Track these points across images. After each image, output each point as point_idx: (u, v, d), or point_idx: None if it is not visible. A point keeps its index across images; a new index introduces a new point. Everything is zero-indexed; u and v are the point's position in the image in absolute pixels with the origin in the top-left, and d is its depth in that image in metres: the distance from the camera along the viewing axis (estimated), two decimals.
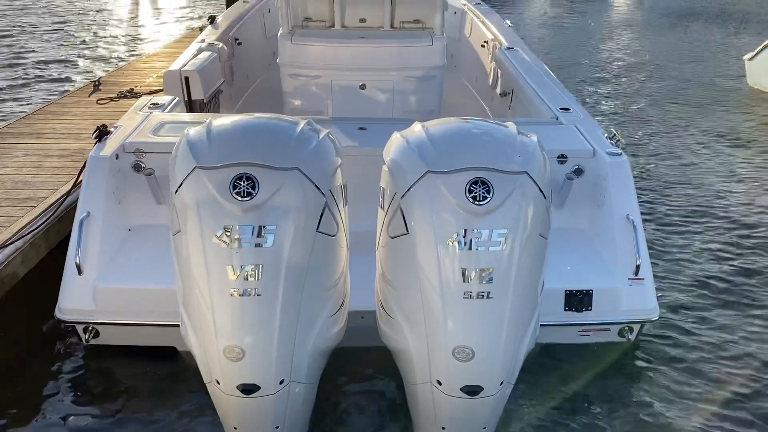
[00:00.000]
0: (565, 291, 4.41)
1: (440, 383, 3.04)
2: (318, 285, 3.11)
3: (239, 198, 2.78)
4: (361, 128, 5.41)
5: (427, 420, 3.31)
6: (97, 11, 21.38)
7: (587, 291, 4.42)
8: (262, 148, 2.90)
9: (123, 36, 17.47)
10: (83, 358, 4.69)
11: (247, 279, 2.82)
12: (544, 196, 2.95)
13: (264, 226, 2.81)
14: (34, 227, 5.18)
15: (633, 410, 4.32)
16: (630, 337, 4.58)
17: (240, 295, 2.83)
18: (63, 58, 14.43)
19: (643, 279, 4.50)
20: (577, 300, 4.42)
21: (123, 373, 4.55)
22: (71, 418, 4.20)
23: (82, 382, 4.51)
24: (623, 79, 13.20)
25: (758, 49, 11.92)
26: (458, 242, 2.84)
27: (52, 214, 5.36)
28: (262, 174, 2.81)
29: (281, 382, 3.03)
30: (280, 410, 3.15)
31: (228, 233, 2.80)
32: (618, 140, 5.18)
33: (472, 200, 2.81)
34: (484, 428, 3.28)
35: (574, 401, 4.41)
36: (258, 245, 2.82)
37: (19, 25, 17.89)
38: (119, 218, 4.78)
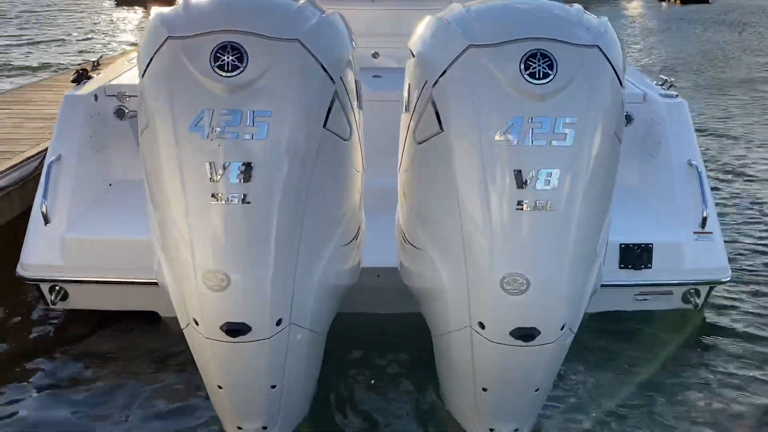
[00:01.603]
0: (620, 245, 3.71)
1: (483, 326, 2.35)
2: (326, 201, 2.44)
3: (222, 72, 2.13)
4: (376, 76, 4.83)
5: (462, 379, 2.61)
6: (112, 22, 21.28)
7: (646, 245, 3.72)
8: (252, 15, 2.24)
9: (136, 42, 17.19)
10: (48, 326, 4.00)
11: (232, 182, 2.16)
12: (621, 83, 2.28)
13: (255, 112, 2.15)
14: (7, 178, 4.58)
15: (699, 392, 3.58)
16: (697, 301, 3.86)
17: (224, 201, 2.17)
18: (76, 58, 14.05)
19: (711, 233, 3.80)
20: (635, 255, 3.72)
21: (95, 346, 3.84)
22: (31, 399, 3.45)
23: (45, 355, 3.78)
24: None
25: None
26: (510, 135, 2.16)
27: (30, 168, 4.76)
28: (253, 44, 2.16)
29: (278, 322, 2.36)
30: (277, 362, 2.46)
31: (207, 120, 2.14)
32: (671, 85, 4.52)
33: (529, 78, 2.14)
34: (536, 390, 2.59)
35: (630, 381, 3.68)
36: (248, 136, 2.16)
37: (39, 35, 17.56)
38: (97, 169, 4.17)
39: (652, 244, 3.72)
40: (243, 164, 2.15)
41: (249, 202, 2.17)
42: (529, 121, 2.14)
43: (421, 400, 3.36)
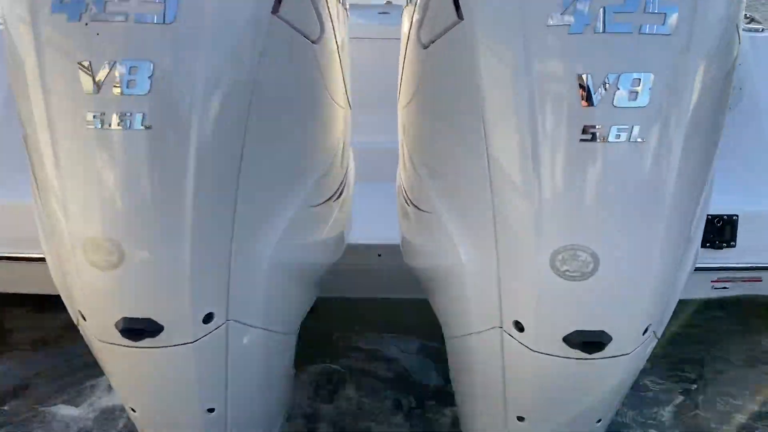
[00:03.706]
0: None
1: (521, 327, 1.52)
2: (282, 133, 1.62)
3: None
4: (383, 12, 4.01)
5: (487, 402, 1.79)
6: None
7: (729, 217, 2.86)
8: None
9: None
10: None
11: (120, 91, 1.34)
12: None
13: None
14: None
15: None
16: None
17: (108, 125, 1.36)
18: None
19: None
20: (716, 230, 2.86)
21: None
22: None
23: None
24: None
25: None
26: (572, 18, 1.31)
27: None
28: None
29: (207, 318, 1.55)
30: (212, 377, 1.66)
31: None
32: (752, 19, 3.63)
33: None
34: (598, 422, 1.75)
35: (705, 387, 2.87)
36: (147, 19, 1.33)
37: None
38: None
39: (737, 215, 2.86)
40: (137, 64, 1.33)
41: (149, 127, 1.35)
42: None
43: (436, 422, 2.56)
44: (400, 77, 1.96)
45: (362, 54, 2.68)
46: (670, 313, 1.64)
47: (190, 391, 1.65)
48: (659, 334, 1.64)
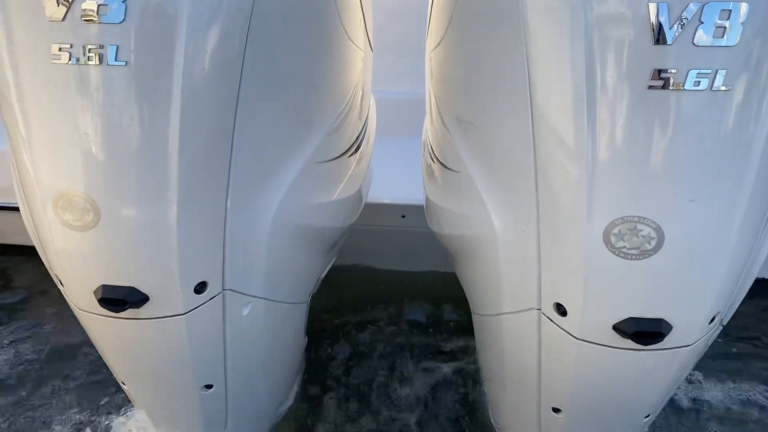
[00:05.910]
0: None
1: (563, 311, 1.29)
2: (282, 71, 1.39)
3: None
4: None
5: (519, 389, 1.58)
6: None
7: None
8: None
9: None
10: None
11: (90, 18, 1.12)
12: None
13: None
14: None
15: None
16: None
17: (77, 60, 1.14)
18: None
19: None
20: None
21: None
22: None
23: None
24: None
25: None
26: None
27: None
28: None
29: (200, 288, 1.35)
30: (207, 351, 1.48)
31: None
32: None
33: None
34: (646, 417, 1.54)
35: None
36: None
37: None
38: None
39: None
40: None
41: (125, 62, 1.13)
42: None
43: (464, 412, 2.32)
44: (429, 13, 1.70)
45: None
46: (742, 297, 1.40)
47: (183, 367, 1.47)
48: (726, 321, 1.40)
